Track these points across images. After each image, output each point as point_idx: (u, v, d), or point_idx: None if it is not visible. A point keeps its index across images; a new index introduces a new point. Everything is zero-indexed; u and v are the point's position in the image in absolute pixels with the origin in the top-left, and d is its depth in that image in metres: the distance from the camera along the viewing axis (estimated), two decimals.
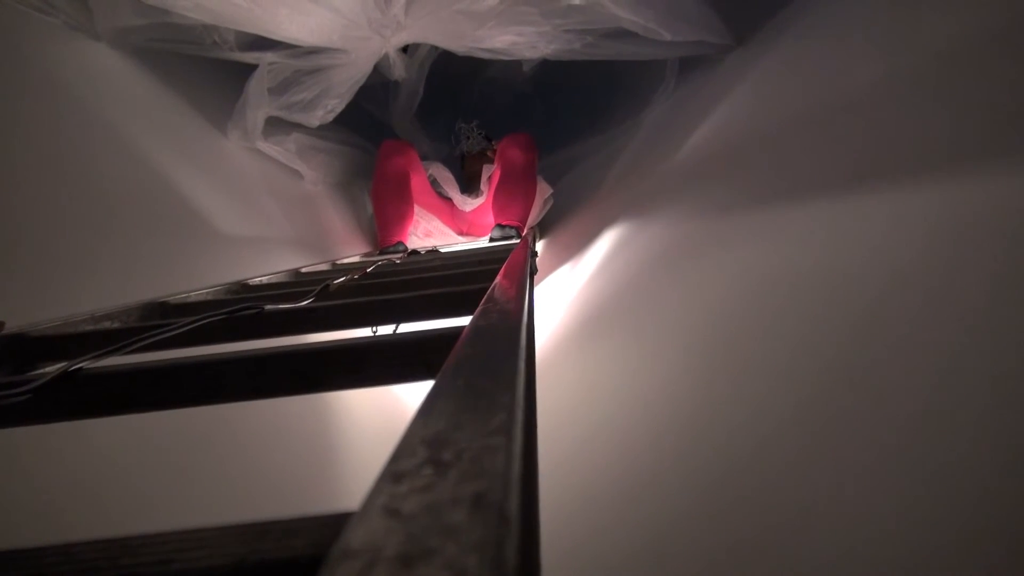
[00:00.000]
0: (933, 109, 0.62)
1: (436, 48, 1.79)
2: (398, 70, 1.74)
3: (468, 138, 2.28)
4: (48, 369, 0.39)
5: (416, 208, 1.97)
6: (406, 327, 0.61)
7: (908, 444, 0.41)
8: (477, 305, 0.42)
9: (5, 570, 0.13)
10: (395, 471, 0.13)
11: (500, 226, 1.74)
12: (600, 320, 1.07)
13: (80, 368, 0.38)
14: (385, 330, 0.77)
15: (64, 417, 0.37)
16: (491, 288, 0.49)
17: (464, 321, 0.37)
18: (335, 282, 0.75)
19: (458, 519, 0.11)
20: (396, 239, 1.77)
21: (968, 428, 0.38)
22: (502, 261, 0.81)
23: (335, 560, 0.10)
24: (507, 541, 0.10)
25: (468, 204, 2.03)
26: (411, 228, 1.90)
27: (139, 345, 0.44)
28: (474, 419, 0.16)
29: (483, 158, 2.14)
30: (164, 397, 0.37)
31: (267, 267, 1.04)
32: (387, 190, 1.82)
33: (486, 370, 0.21)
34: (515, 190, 1.81)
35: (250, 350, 0.38)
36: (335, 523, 0.14)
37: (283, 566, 0.13)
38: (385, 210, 1.81)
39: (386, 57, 1.64)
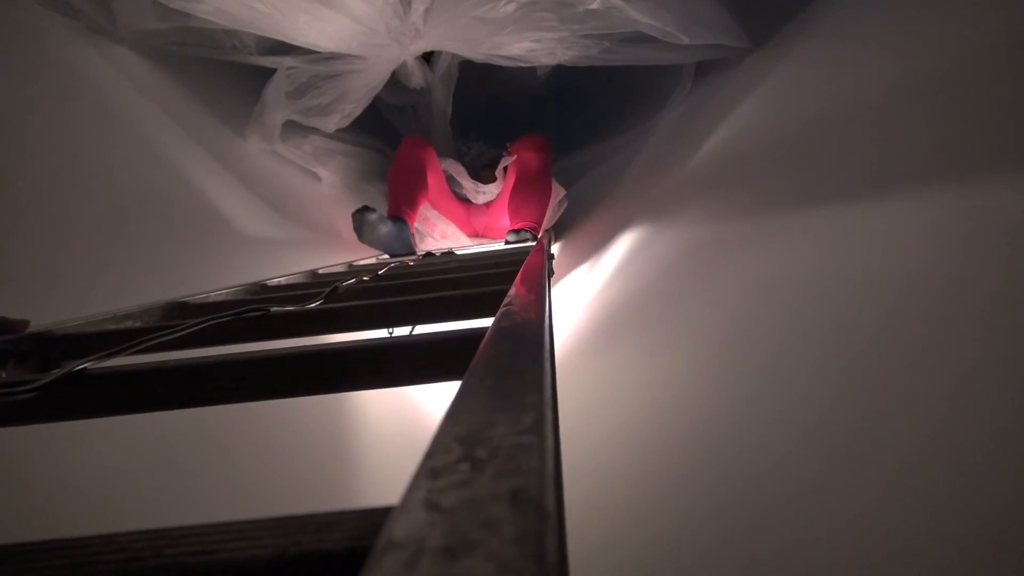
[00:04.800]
0: (951, 114, 0.61)
1: (457, 60, 1.80)
2: (416, 78, 1.75)
3: (470, 151, 2.31)
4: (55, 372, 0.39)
5: (432, 212, 1.97)
6: (424, 329, 0.61)
7: (930, 452, 0.41)
8: (494, 307, 0.42)
9: (51, 559, 0.14)
10: (432, 467, 0.13)
11: (515, 231, 1.73)
12: (617, 324, 1.07)
13: (85, 368, 0.38)
14: (401, 332, 0.77)
15: (71, 416, 0.37)
16: (511, 290, 0.49)
17: (483, 323, 0.37)
18: (344, 284, 0.75)
19: (498, 513, 0.11)
20: (404, 208, 1.70)
21: (991, 435, 0.38)
22: (518, 263, 0.81)
23: (381, 551, 0.10)
24: (547, 535, 0.10)
25: (481, 195, 2.02)
26: (422, 207, 1.85)
27: (143, 347, 0.45)
28: (505, 418, 0.16)
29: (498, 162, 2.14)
30: (172, 397, 0.37)
31: (285, 268, 1.05)
32: (402, 169, 1.78)
33: (513, 371, 0.21)
34: (530, 191, 1.80)
35: (263, 351, 0.38)
36: (371, 517, 0.14)
37: (322, 558, 0.13)
38: (397, 180, 1.77)
39: (404, 65, 1.65)
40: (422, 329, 0.61)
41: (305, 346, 0.37)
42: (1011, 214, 0.45)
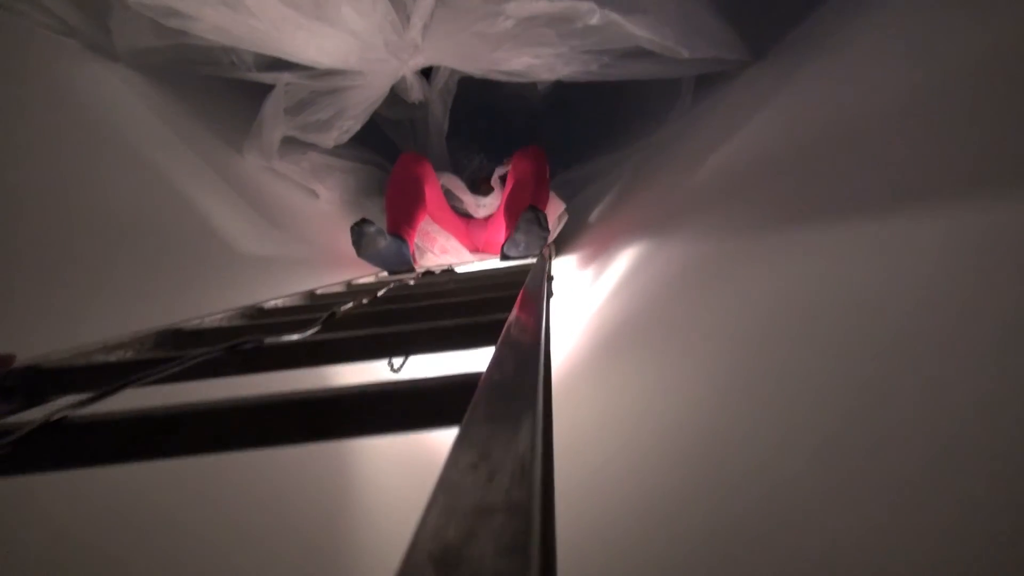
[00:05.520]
0: (960, 126, 0.60)
1: (455, 75, 1.79)
2: (415, 93, 1.74)
3: (469, 164, 2.31)
4: (31, 418, 0.37)
5: (433, 226, 1.95)
6: (422, 360, 0.60)
7: (939, 475, 0.39)
8: (492, 336, 0.40)
9: None
10: None
11: (532, 209, 1.58)
12: (618, 342, 1.05)
13: (65, 416, 0.36)
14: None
15: (48, 469, 0.35)
16: (507, 325, 0.47)
17: (482, 352, 0.36)
18: (342, 308, 0.73)
19: None
20: (403, 226, 1.67)
21: (1001, 457, 0.36)
22: (519, 284, 0.80)
23: None
24: None
25: (482, 208, 2.00)
26: (423, 223, 1.85)
27: (130, 387, 0.43)
28: (487, 527, 0.15)
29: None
30: (159, 446, 0.35)
31: (283, 287, 1.04)
32: (399, 186, 1.76)
33: (502, 424, 0.20)
34: (525, 196, 1.72)
35: (254, 396, 0.36)
36: None
37: None
38: (395, 198, 1.74)
39: (403, 80, 1.65)
40: (419, 359, 0.60)
41: (291, 392, 0.36)
42: None
